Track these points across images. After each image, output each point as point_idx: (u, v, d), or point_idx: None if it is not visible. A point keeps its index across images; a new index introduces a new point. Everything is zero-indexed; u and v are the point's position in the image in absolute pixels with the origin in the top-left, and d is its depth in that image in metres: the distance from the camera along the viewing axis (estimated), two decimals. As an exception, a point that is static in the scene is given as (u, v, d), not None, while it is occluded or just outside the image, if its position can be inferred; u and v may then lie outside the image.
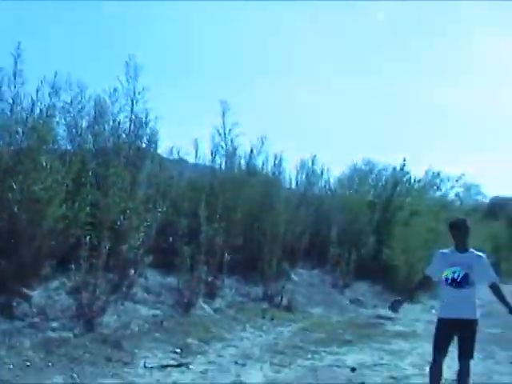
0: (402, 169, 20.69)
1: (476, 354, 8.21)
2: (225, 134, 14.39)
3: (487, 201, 38.08)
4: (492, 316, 15.35)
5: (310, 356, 9.63)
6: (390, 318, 14.22)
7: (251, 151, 15.64)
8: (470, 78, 64.86)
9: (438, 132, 64.78)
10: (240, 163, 15.41)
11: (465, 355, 6.80)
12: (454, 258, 6.83)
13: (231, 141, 14.58)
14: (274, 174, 16.20)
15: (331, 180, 19.53)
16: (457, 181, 24.50)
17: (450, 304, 6.82)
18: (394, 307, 7.09)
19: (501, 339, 12.00)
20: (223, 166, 14.78)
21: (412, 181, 21.31)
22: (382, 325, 13.33)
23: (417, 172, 21.99)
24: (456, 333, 6.80)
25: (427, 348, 6.97)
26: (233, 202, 13.84)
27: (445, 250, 7.04)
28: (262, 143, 15.72)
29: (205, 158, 14.65)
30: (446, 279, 6.79)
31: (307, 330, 11.77)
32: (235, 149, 14.82)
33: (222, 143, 14.51)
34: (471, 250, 6.93)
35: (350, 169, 20.65)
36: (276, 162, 16.16)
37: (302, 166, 18.00)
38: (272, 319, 12.33)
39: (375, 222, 19.13)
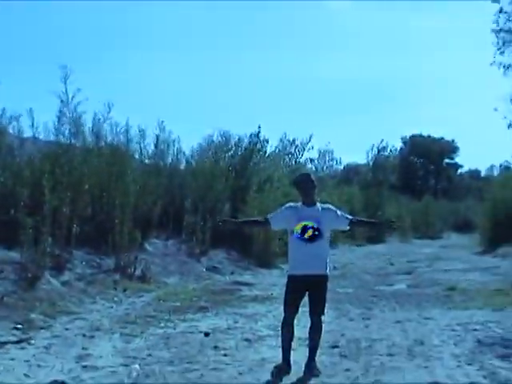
0: (256, 135, 20.70)
1: (330, 313, 8.22)
2: (67, 100, 13.64)
3: (341, 167, 39.09)
4: (346, 277, 15.79)
5: (163, 324, 9.35)
6: (247, 284, 14.17)
7: (97, 119, 14.94)
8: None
9: (293, 101, 66.51)
10: (85, 131, 14.66)
11: (316, 311, 6.72)
12: (302, 213, 6.72)
13: (75, 108, 13.84)
14: (121, 141, 15.61)
15: (184, 149, 19.27)
16: (307, 143, 24.84)
17: (300, 260, 6.69)
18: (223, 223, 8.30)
19: (354, 298, 12.28)
20: (67, 134, 14.00)
21: (267, 147, 21.38)
22: (239, 290, 13.18)
23: (273, 140, 22.22)
24: (307, 289, 6.68)
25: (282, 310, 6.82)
26: (80, 172, 13.19)
27: (293, 204, 6.90)
28: (109, 110, 15.07)
29: (47, 126, 13.90)
30: (297, 233, 6.65)
31: (161, 300, 11.42)
32: (80, 116, 14.09)
33: (66, 110, 13.73)
34: (318, 203, 6.83)
35: (205, 140, 20.42)
36: (121, 130, 15.62)
37: (143, 135, 17.47)
38: (125, 290, 11.92)
39: (230, 190, 18.97)
